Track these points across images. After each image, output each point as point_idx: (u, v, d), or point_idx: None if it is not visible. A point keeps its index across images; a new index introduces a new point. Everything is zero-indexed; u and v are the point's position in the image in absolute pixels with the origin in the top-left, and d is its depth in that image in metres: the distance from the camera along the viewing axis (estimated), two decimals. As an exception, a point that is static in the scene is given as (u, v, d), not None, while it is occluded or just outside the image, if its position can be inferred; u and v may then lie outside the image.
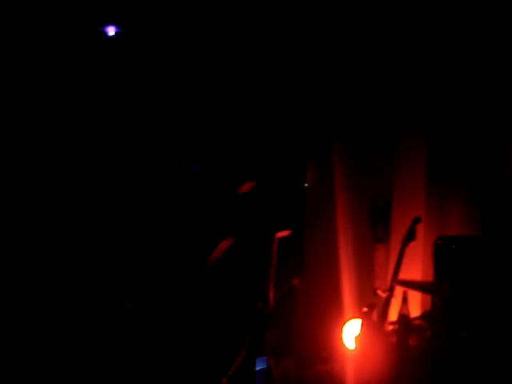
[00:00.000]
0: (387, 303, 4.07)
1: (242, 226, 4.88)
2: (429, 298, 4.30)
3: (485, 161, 4.55)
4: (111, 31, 5.14)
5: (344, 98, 5.00)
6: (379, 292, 4.24)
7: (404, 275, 4.12)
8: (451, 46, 4.55)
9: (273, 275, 4.55)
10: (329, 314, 4.62)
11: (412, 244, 4.13)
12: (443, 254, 4.13)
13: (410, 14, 4.66)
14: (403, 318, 4.01)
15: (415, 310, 4.29)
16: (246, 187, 4.84)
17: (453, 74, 4.59)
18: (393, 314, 4.09)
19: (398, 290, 4.14)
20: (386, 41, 4.81)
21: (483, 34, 4.45)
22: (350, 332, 4.31)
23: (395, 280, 4.07)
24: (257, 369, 4.45)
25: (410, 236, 4.14)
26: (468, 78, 4.55)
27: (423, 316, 4.16)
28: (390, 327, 4.09)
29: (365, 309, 4.18)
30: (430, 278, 4.31)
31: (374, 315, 4.14)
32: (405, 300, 4.04)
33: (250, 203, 4.88)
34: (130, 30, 5.16)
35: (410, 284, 4.11)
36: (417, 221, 4.17)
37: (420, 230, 4.18)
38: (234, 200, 4.89)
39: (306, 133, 5.24)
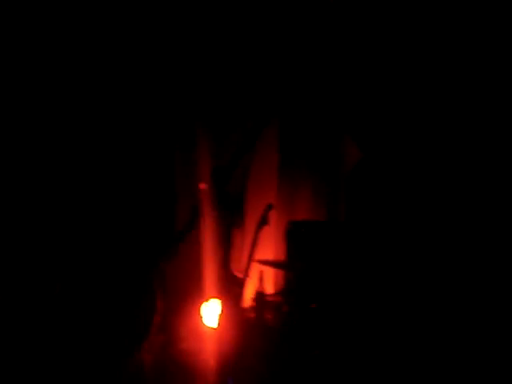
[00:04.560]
0: (243, 283, 4.46)
1: None
2: (281, 276, 4.75)
3: (327, 154, 5.08)
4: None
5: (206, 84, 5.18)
6: (236, 273, 4.61)
7: (259, 257, 4.53)
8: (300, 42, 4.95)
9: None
10: (189, 295, 4.90)
11: (265, 228, 4.54)
12: (294, 237, 4.59)
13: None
14: (259, 295, 4.45)
15: (270, 288, 4.73)
16: None
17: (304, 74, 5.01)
18: (250, 293, 4.49)
19: (254, 271, 4.56)
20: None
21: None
22: (211, 311, 4.64)
23: (251, 261, 4.46)
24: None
25: (264, 221, 4.55)
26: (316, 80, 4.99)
27: (277, 293, 4.62)
28: (248, 305, 4.48)
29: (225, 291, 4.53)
30: (282, 258, 4.76)
31: (233, 295, 4.49)
32: (261, 279, 4.49)
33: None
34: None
35: (265, 262, 4.55)
36: (269, 207, 4.58)
37: (272, 215, 4.59)
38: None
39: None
